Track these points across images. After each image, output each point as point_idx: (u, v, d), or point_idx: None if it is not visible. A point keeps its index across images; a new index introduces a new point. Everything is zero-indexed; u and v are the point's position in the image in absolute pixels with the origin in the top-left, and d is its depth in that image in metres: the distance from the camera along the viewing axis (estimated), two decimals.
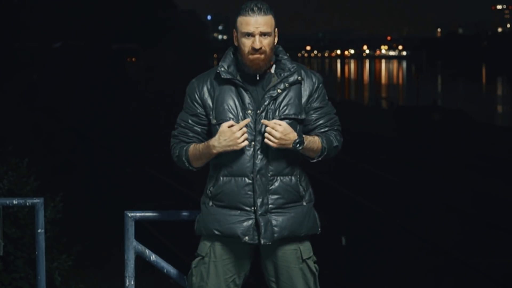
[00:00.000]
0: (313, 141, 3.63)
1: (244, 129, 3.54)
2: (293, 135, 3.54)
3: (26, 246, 5.76)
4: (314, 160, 3.69)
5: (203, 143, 3.64)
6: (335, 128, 3.73)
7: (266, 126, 3.55)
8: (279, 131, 3.51)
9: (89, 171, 17.24)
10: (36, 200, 4.41)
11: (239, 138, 3.52)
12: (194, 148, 3.65)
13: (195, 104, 3.70)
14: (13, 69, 42.23)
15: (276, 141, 3.52)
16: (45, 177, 8.58)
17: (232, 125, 3.53)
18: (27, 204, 4.46)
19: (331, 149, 3.68)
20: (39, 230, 4.38)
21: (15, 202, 4.52)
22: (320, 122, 3.70)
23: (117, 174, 17.05)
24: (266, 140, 3.53)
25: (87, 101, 34.80)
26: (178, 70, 55.75)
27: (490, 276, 10.23)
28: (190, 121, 3.70)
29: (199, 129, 3.70)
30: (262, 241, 3.60)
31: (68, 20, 50.51)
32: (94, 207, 13.32)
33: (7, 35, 44.27)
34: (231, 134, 3.52)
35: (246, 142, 3.55)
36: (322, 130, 3.69)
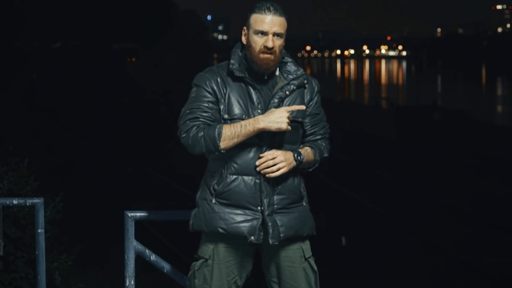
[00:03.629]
0: (308, 153, 3.69)
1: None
2: (289, 153, 3.59)
3: (26, 246, 5.76)
4: (305, 170, 3.74)
5: (242, 121, 3.57)
6: (326, 136, 3.81)
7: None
8: (276, 155, 3.55)
9: (89, 171, 17.24)
10: (36, 200, 4.41)
11: (287, 119, 3.53)
12: (230, 126, 3.56)
13: (208, 93, 3.62)
14: (13, 69, 42.19)
15: (284, 164, 3.55)
16: (45, 177, 8.58)
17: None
18: (27, 204, 4.46)
19: (322, 160, 3.77)
20: (39, 230, 4.38)
21: (15, 202, 4.51)
22: (315, 129, 3.77)
23: (117, 174, 17.05)
24: (273, 172, 3.56)
25: (87, 101, 34.79)
26: (178, 70, 55.72)
27: (489, 276, 10.24)
28: (208, 105, 3.62)
29: (218, 115, 3.62)
30: (270, 241, 3.59)
31: (68, 20, 50.44)
32: (94, 207, 13.32)
33: (7, 34, 44.24)
34: (281, 112, 3.53)
35: (288, 127, 3.55)
36: (316, 138, 3.77)
